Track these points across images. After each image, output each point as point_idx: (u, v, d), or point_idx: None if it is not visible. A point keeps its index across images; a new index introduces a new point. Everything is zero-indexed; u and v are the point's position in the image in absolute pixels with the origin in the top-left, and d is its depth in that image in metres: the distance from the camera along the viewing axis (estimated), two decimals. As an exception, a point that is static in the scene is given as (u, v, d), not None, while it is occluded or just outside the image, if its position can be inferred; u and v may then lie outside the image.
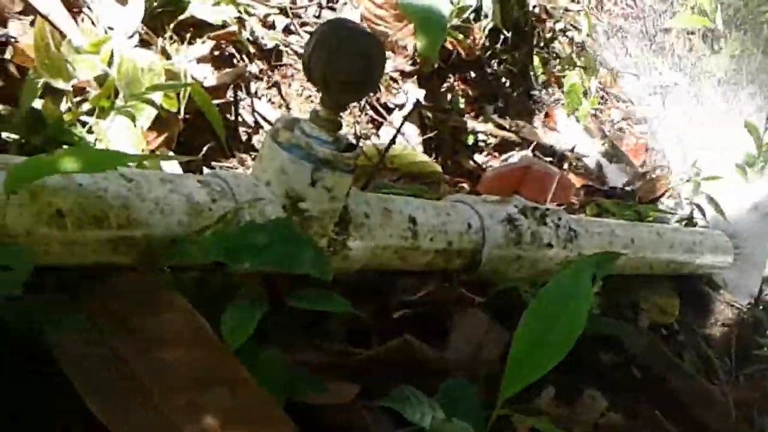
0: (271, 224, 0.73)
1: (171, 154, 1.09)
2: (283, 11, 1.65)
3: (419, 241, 0.95)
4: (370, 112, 1.61)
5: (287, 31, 1.65)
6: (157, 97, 1.03)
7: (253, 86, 1.49)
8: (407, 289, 1.03)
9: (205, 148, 1.16)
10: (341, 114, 0.82)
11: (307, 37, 1.64)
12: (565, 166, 1.91)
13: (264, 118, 1.42)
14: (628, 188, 1.96)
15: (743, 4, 3.35)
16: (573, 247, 1.17)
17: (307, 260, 0.70)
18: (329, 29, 0.78)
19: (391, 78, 1.66)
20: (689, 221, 1.75)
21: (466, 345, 0.96)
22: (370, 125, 1.63)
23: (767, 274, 1.57)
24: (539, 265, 1.12)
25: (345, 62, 0.76)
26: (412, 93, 1.64)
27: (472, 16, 1.91)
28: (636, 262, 1.35)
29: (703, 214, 1.76)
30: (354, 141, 0.88)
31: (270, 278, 0.73)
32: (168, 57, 1.20)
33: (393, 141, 1.20)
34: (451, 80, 1.87)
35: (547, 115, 2.15)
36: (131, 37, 1.17)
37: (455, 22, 1.76)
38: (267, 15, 1.63)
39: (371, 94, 1.62)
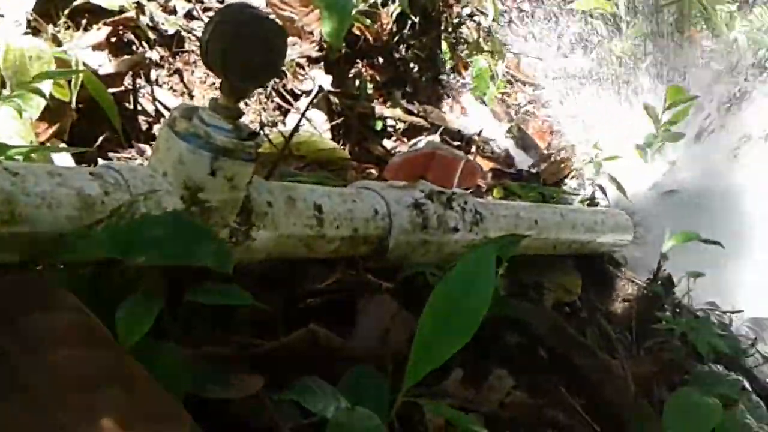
0: (168, 216, 0.71)
1: (62, 145, 1.04)
2: (184, -4, 1.61)
3: (325, 229, 0.95)
4: (277, 99, 1.59)
5: (189, 16, 1.61)
6: (47, 86, 0.98)
7: (153, 74, 1.44)
8: (314, 277, 1.03)
9: (100, 139, 1.12)
10: (242, 101, 0.80)
11: (209, 22, 1.60)
12: (473, 149, 1.93)
13: (165, 107, 1.39)
14: (533, 170, 2.00)
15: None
16: (479, 230, 1.18)
17: (206, 253, 0.69)
18: (228, 14, 0.77)
19: (298, 64, 1.64)
20: (591, 201, 1.80)
21: (373, 331, 0.96)
22: (277, 112, 1.61)
23: (665, 250, 1.62)
24: (446, 249, 1.13)
25: (244, 48, 0.74)
26: (319, 79, 1.63)
27: (379, 1, 1.90)
28: (540, 242, 1.38)
29: (605, 194, 1.82)
30: (258, 129, 0.87)
31: (170, 272, 0.71)
32: (60, 44, 1.15)
33: (297, 127, 1.18)
34: (359, 66, 1.86)
35: (454, 99, 2.17)
36: (20, 24, 1.11)
37: (362, 7, 1.75)
38: (167, 0, 1.59)
39: (277, 81, 1.60)
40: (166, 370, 0.61)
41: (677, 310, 1.61)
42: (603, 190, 1.82)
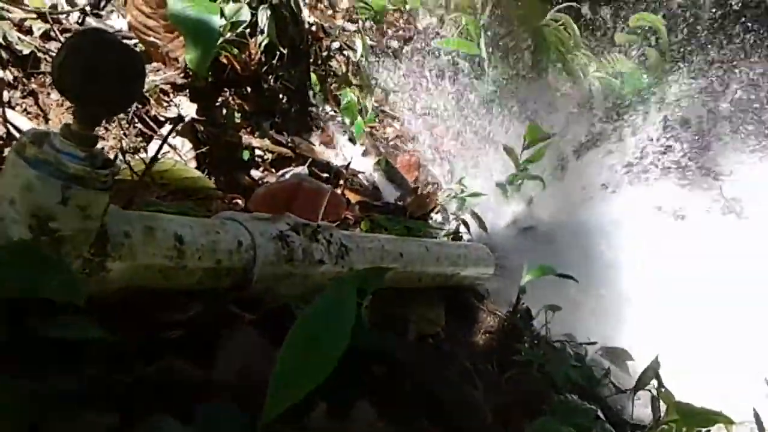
0: (13, 246, 0.67)
1: None
2: (41, 16, 1.54)
3: (186, 260, 0.92)
4: (139, 125, 1.54)
5: (46, 37, 1.54)
6: None
7: (6, 95, 1.37)
8: (176, 308, 0.99)
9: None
10: (96, 128, 0.77)
11: (68, 44, 1.54)
12: (341, 182, 1.94)
13: (18, 129, 1.31)
14: (400, 203, 2.03)
15: (505, 32, 3.63)
16: (345, 263, 1.18)
17: (54, 284, 0.65)
18: (83, 39, 0.74)
19: (162, 90, 1.60)
20: (455, 235, 1.85)
21: (234, 365, 0.94)
22: (140, 138, 1.56)
23: (523, 283, 1.68)
24: (312, 281, 1.12)
25: (99, 76, 0.72)
26: (184, 106, 1.59)
27: (248, 32, 1.89)
28: (405, 275, 1.40)
29: (468, 229, 1.87)
30: (118, 155, 0.84)
31: (14, 302, 0.67)
32: None
33: (156, 155, 1.15)
34: (227, 95, 1.84)
35: (323, 131, 2.19)
36: None
37: (230, 36, 1.73)
38: (24, 20, 1.51)
39: (140, 107, 1.55)
40: (5, 407, 0.57)
41: (536, 342, 1.67)
42: (466, 224, 1.88)
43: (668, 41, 4.52)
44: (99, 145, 1.46)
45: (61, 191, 0.73)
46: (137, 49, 0.75)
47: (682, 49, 4.75)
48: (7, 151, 1.28)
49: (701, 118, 3.51)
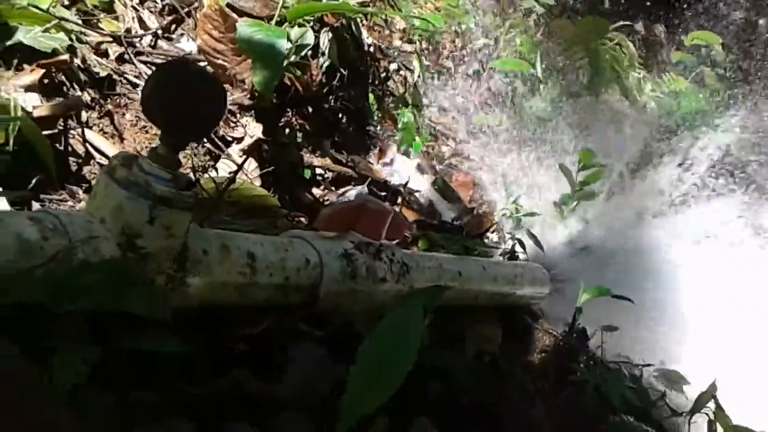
0: (104, 264, 0.72)
1: (-3, 188, 1.03)
2: (116, 40, 1.62)
3: (258, 277, 0.96)
4: (208, 145, 1.61)
5: (121, 59, 1.62)
6: (-20, 128, 0.98)
7: (84, 115, 1.44)
8: (247, 322, 1.04)
9: (33, 181, 1.11)
10: (181, 151, 0.82)
11: (141, 66, 1.62)
12: (399, 200, 1.98)
13: (95, 149, 1.38)
14: (457, 222, 2.06)
15: (561, 51, 3.64)
16: (405, 281, 1.22)
17: (140, 300, 0.70)
18: (170, 70, 0.79)
19: (230, 111, 1.66)
20: (511, 255, 1.86)
21: (300, 378, 0.97)
22: (208, 157, 1.63)
23: (580, 304, 1.69)
24: (375, 299, 1.16)
25: (185, 104, 0.77)
26: (250, 127, 1.65)
27: (310, 54, 1.95)
28: (463, 293, 1.42)
29: (524, 248, 1.89)
30: (192, 176, 0.89)
31: (105, 318, 0.72)
32: (-7, 85, 1.15)
33: (234, 177, 1.20)
34: (289, 115, 1.89)
35: (381, 150, 2.23)
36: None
37: (294, 59, 1.79)
38: (100, 43, 1.59)
39: (209, 127, 1.61)
40: (97, 418, 0.62)
41: (591, 362, 1.67)
42: (522, 244, 1.90)
43: (725, 60, 4.47)
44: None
45: (148, 211, 0.78)
46: (219, 81, 0.80)
47: (741, 70, 4.68)
48: (86, 169, 1.36)
49: (759, 138, 3.45)
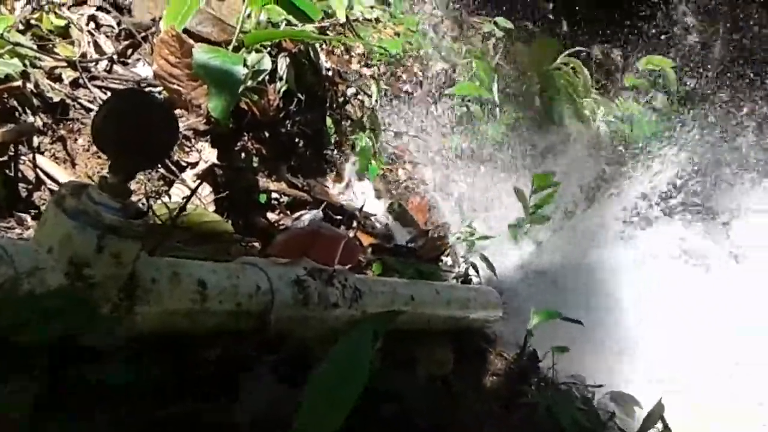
0: (52, 294, 0.72)
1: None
2: (71, 64, 1.61)
3: (209, 304, 0.97)
4: (162, 170, 1.60)
5: (75, 84, 1.61)
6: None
7: (36, 140, 1.43)
8: (200, 349, 1.04)
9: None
10: (131, 180, 0.83)
11: (96, 91, 1.61)
12: (355, 224, 1.99)
13: (46, 174, 1.37)
14: (412, 245, 2.08)
15: (517, 77, 3.71)
16: (358, 306, 1.23)
17: (89, 329, 0.70)
18: (121, 99, 0.80)
19: (184, 136, 1.66)
20: (465, 278, 1.89)
21: (255, 405, 0.98)
22: (161, 182, 1.62)
23: (530, 327, 1.72)
24: (327, 324, 1.17)
25: (137, 133, 0.78)
26: (206, 152, 1.65)
27: (267, 78, 1.96)
28: (416, 317, 1.44)
29: (477, 272, 1.91)
30: (145, 202, 0.89)
31: (55, 348, 0.72)
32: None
33: (185, 205, 1.21)
34: (246, 140, 1.90)
35: (338, 174, 2.24)
36: None
37: (250, 84, 1.80)
38: (54, 68, 1.58)
39: (164, 152, 1.61)
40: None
41: (543, 384, 1.70)
42: (475, 268, 1.92)
43: (677, 84, 4.59)
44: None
45: (97, 240, 0.78)
46: (173, 111, 0.81)
47: (691, 93, 4.81)
48: (36, 195, 1.35)
49: (711, 163, 3.55)
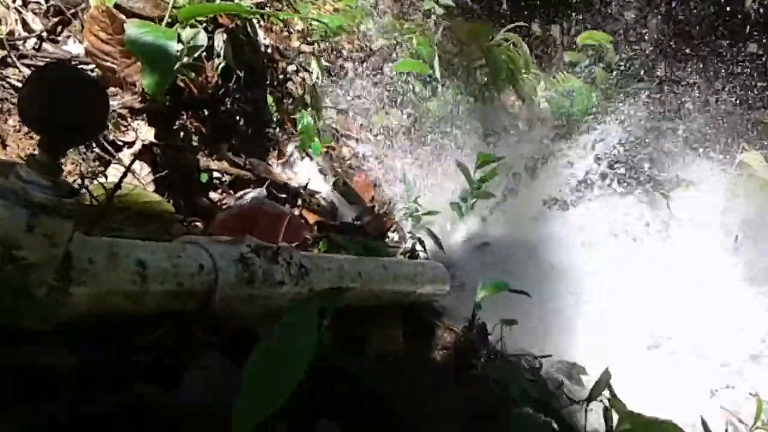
0: (-20, 276, 0.69)
1: None
2: (-2, 43, 1.54)
3: (148, 285, 0.94)
4: (97, 150, 1.55)
5: (3, 63, 1.54)
6: None
7: (-38, 121, 1.37)
8: (142, 331, 1.01)
9: None
10: (60, 159, 0.79)
11: (25, 70, 1.55)
12: (299, 202, 1.97)
13: (-26, 158, 1.31)
14: (358, 222, 2.06)
15: (458, 52, 3.70)
16: (305, 284, 1.21)
17: (23, 312, 0.67)
18: (46, 74, 0.76)
19: (120, 115, 1.61)
20: (412, 254, 1.88)
21: (200, 387, 0.95)
22: (97, 162, 1.57)
23: (478, 299, 1.72)
24: (273, 302, 1.15)
25: (64, 109, 0.74)
26: (142, 131, 1.60)
27: (204, 55, 1.91)
28: (364, 294, 1.43)
29: (423, 247, 1.91)
30: (78, 180, 0.85)
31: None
32: None
33: (119, 183, 1.16)
34: (184, 118, 1.85)
35: (280, 153, 2.21)
36: None
37: (186, 60, 1.75)
38: (-21, 46, 1.51)
39: (98, 131, 1.56)
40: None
41: (492, 357, 1.71)
42: (422, 243, 1.92)
43: (615, 59, 4.65)
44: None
45: (26, 220, 0.75)
46: (100, 82, 0.77)
47: (630, 66, 4.89)
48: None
49: (649, 134, 3.61)
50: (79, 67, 1.66)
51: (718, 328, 2.61)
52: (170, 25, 1.71)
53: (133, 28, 1.51)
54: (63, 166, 1.47)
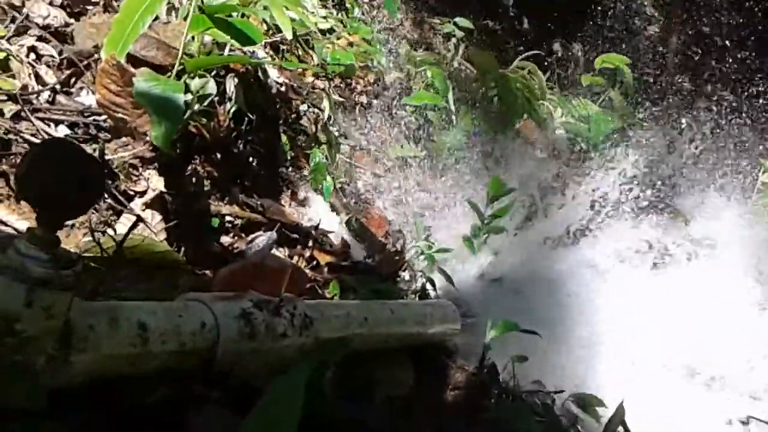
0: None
1: None
2: (12, 98, 1.59)
3: (150, 346, 0.96)
4: (109, 200, 1.58)
5: (17, 117, 1.59)
6: None
7: (-24, 178, 1.40)
8: (142, 391, 1.02)
9: None
10: (58, 231, 0.82)
11: (39, 123, 1.59)
12: (310, 243, 1.98)
13: (-8, 216, 1.35)
14: (370, 261, 2.07)
15: (469, 85, 3.72)
16: (309, 333, 1.22)
17: (19, 392, 0.69)
18: (45, 150, 0.79)
19: (131, 165, 1.64)
20: (422, 293, 1.89)
21: (204, 442, 0.97)
22: (110, 212, 1.60)
23: (487, 341, 1.72)
24: (276, 355, 1.16)
25: (60, 185, 0.77)
26: (153, 180, 1.64)
27: (216, 99, 1.94)
28: (371, 338, 1.43)
29: (434, 287, 1.92)
30: (88, 233, 0.88)
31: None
32: None
33: (125, 237, 1.19)
34: (197, 163, 1.88)
35: (293, 193, 2.23)
36: None
37: (197, 107, 1.79)
38: (-7, 102, 1.56)
39: (110, 182, 1.59)
40: None
41: (503, 395, 1.71)
42: (432, 282, 1.92)
43: (633, 83, 4.63)
44: (69, 221, 1.50)
45: (26, 294, 0.77)
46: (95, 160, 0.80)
47: (648, 90, 4.87)
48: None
49: (668, 161, 3.59)
50: (92, 118, 1.70)
51: (740, 356, 2.57)
52: (181, 73, 1.75)
53: (142, 82, 1.55)
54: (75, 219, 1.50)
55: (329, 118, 2.55)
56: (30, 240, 0.79)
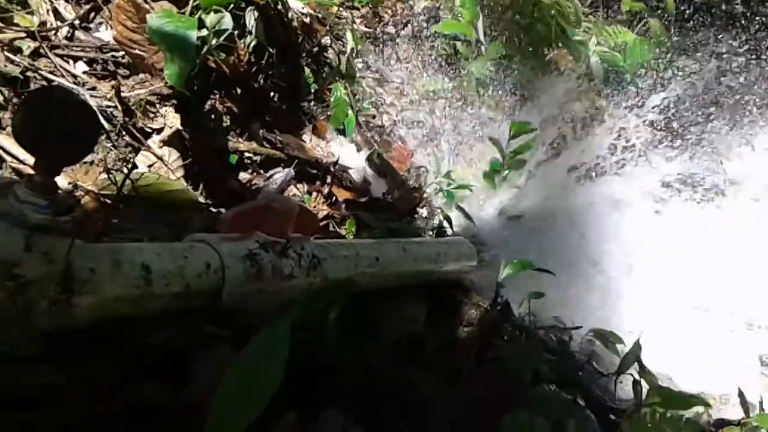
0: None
1: None
2: (30, 35, 1.59)
3: (153, 288, 0.98)
4: (127, 138, 1.60)
5: (36, 55, 1.60)
6: None
7: (-5, 116, 1.42)
8: (148, 332, 1.05)
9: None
10: (56, 176, 0.83)
11: (57, 60, 1.60)
12: (329, 179, 1.98)
13: (7, 152, 1.37)
14: (388, 198, 2.07)
15: (501, 12, 3.61)
16: (317, 274, 1.24)
17: (14, 337, 0.71)
18: (40, 96, 0.80)
19: (148, 102, 1.65)
20: (440, 230, 1.89)
21: (212, 378, 1.00)
22: (128, 149, 1.62)
23: (501, 279, 1.72)
24: (282, 295, 1.18)
25: (56, 130, 0.78)
26: (170, 117, 1.64)
27: (236, 33, 1.93)
28: (383, 277, 1.45)
29: (450, 225, 1.91)
30: (103, 172, 0.89)
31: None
32: None
33: (127, 176, 1.20)
34: (215, 100, 1.88)
35: (315, 127, 2.22)
36: None
37: (214, 43, 1.77)
38: (13, 39, 1.57)
39: (127, 119, 1.60)
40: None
41: (517, 332, 1.72)
42: (449, 220, 1.92)
43: (674, 10, 4.45)
44: (88, 158, 1.52)
45: (24, 240, 0.79)
46: (92, 106, 0.80)
47: (690, 20, 4.67)
48: (-2, 173, 1.35)
49: (706, 92, 3.47)
50: (110, 54, 1.71)
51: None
52: (196, 8, 1.74)
53: (154, 19, 1.54)
54: (94, 155, 1.52)
55: (352, 50, 2.51)
56: (28, 186, 0.81)
